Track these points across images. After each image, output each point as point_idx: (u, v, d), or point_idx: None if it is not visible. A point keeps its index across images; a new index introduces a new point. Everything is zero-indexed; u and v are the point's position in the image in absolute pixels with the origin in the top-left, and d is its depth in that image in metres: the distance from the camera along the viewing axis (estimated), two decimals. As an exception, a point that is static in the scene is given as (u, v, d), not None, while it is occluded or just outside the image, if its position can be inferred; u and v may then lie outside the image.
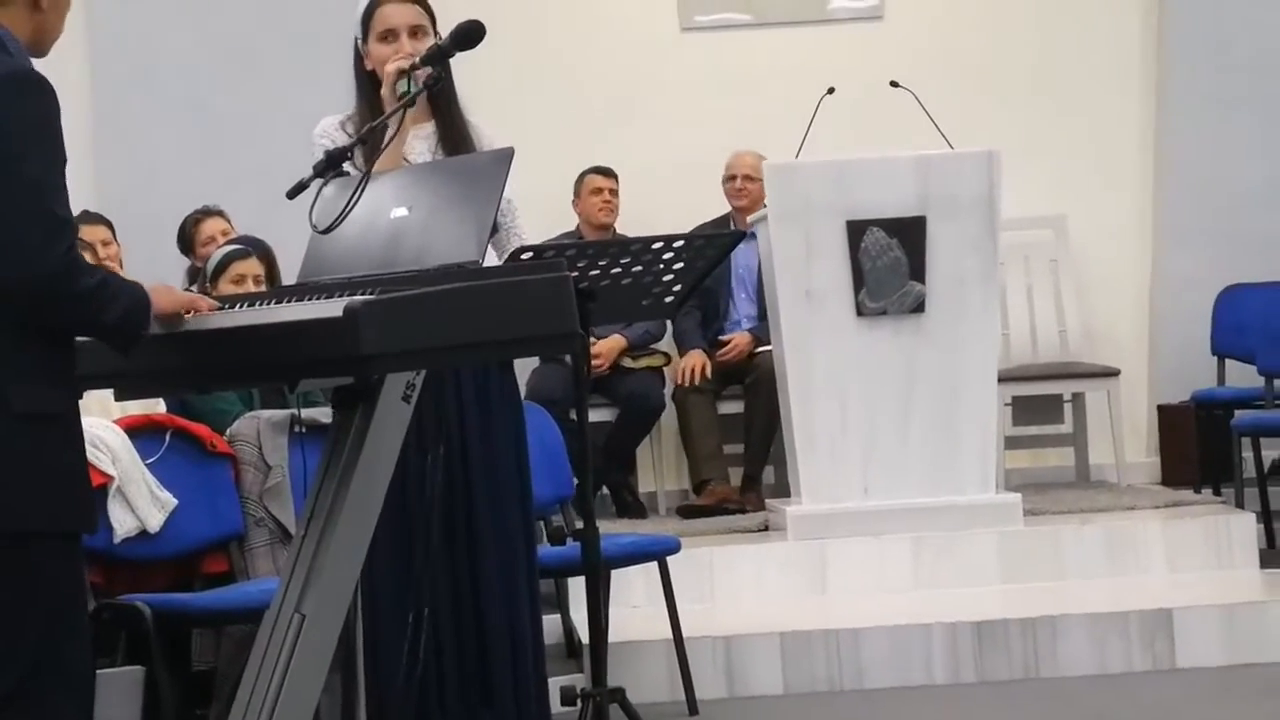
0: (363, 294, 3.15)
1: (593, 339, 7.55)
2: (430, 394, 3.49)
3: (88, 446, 4.80)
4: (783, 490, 7.56)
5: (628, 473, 8.12)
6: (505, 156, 3.67)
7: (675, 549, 5.58)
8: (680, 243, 4.05)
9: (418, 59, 4.11)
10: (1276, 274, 8.30)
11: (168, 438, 5.21)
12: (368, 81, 4.34)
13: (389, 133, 3.96)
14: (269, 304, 3.42)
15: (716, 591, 6.52)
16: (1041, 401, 8.40)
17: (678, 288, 4.11)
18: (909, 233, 6.70)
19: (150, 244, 7.37)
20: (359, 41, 4.37)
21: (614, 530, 5.96)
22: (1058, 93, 8.80)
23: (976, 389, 6.73)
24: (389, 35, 4.30)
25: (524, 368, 7.61)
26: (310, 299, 3.32)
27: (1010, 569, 6.57)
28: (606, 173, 8.37)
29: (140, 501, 5.02)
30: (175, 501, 5.11)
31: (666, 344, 8.25)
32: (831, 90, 7.55)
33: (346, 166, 3.83)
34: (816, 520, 6.67)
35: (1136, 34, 8.87)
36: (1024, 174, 7.81)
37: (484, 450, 4.16)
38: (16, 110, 3.03)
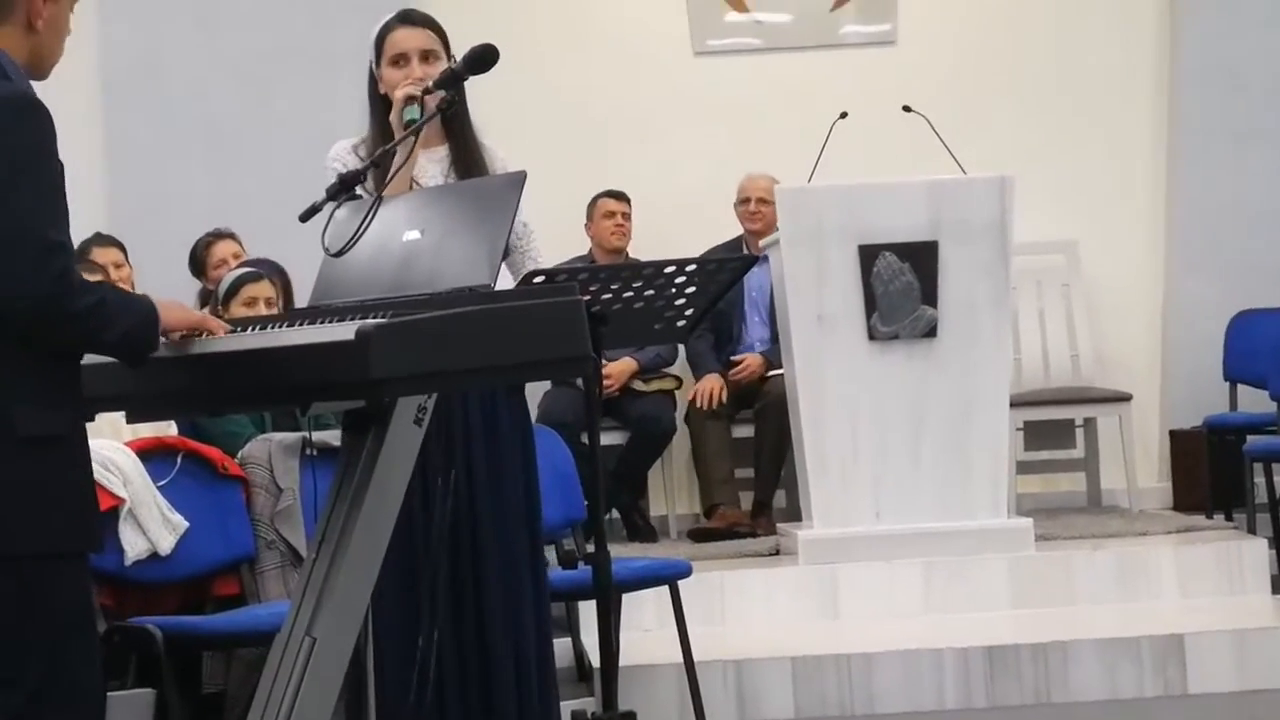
0: (375, 317, 3.15)
1: (604, 361, 7.55)
2: (438, 419, 3.48)
3: (99, 469, 4.84)
4: (794, 514, 7.55)
5: (639, 496, 8.12)
6: (518, 180, 3.67)
7: (686, 573, 5.57)
8: (692, 267, 4.05)
9: (429, 83, 4.11)
10: (1289, 299, 8.30)
11: (179, 460, 5.21)
12: (381, 105, 4.35)
13: (397, 159, 3.97)
14: (281, 327, 3.42)
15: (728, 615, 6.52)
16: (1053, 426, 8.38)
17: (690, 312, 4.10)
18: (921, 257, 6.70)
19: (162, 266, 7.38)
20: (373, 65, 4.38)
21: (625, 554, 5.96)
22: (1070, 118, 8.81)
23: (988, 414, 6.72)
24: (400, 60, 4.31)
25: (535, 391, 7.61)
26: (322, 322, 3.33)
27: (1022, 594, 6.56)
28: (619, 196, 8.37)
29: (151, 524, 5.03)
30: (186, 524, 5.11)
31: (678, 368, 8.25)
32: (844, 115, 7.57)
33: (359, 190, 3.83)
34: (828, 544, 6.66)
35: (1149, 60, 8.87)
36: (1036, 199, 7.80)
37: (489, 474, 4.16)
38: (10, 133, 3.03)
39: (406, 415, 3.32)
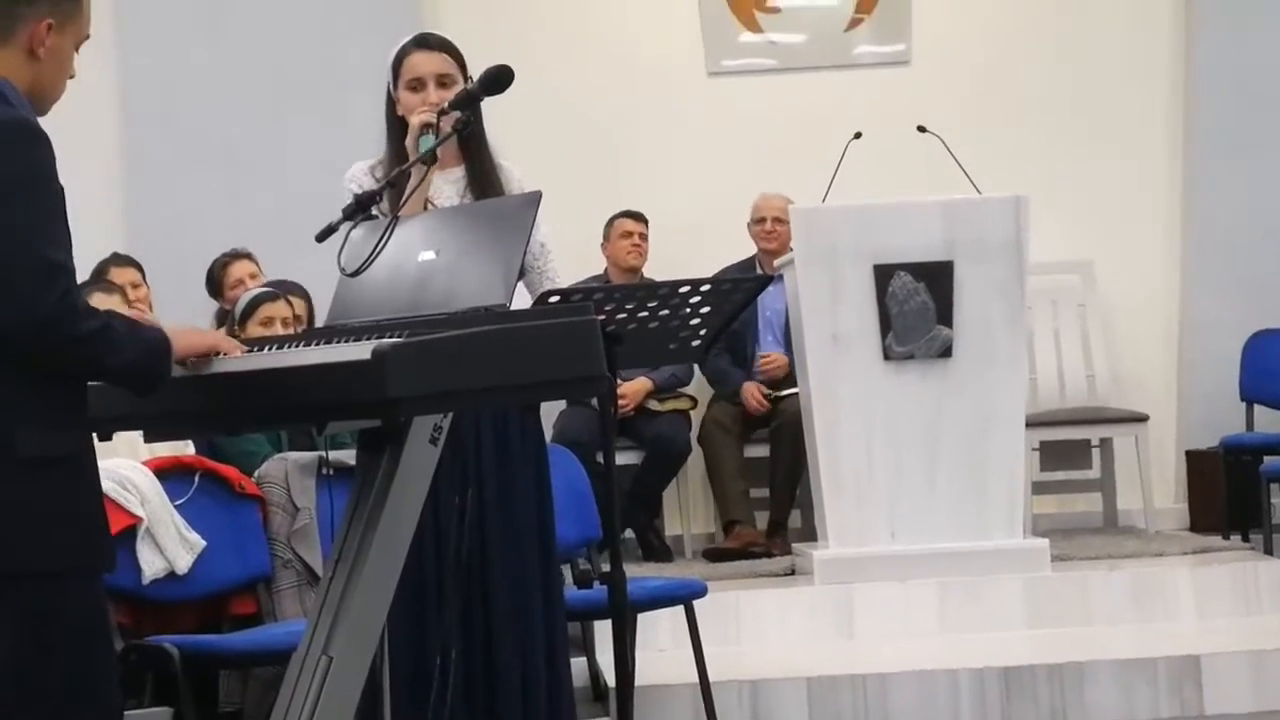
0: (390, 337, 3.16)
1: (619, 381, 7.55)
2: (452, 438, 3.49)
3: (117, 487, 4.87)
4: (809, 534, 7.55)
5: (654, 516, 8.11)
6: (533, 200, 3.68)
7: (702, 592, 5.56)
8: (707, 286, 4.05)
9: (445, 105, 4.12)
10: (1306, 320, 8.29)
11: (196, 479, 5.23)
12: (398, 127, 4.37)
13: (411, 182, 3.98)
14: (297, 346, 3.43)
15: (743, 635, 6.51)
16: (1069, 447, 8.37)
17: (704, 332, 4.11)
18: (936, 277, 6.70)
19: (179, 286, 7.40)
20: (390, 87, 4.40)
21: (640, 573, 5.95)
22: (1085, 137, 8.81)
23: (1004, 434, 6.71)
24: (416, 84, 4.33)
25: (551, 410, 7.61)
26: (338, 342, 3.34)
27: (1037, 614, 6.54)
28: (637, 217, 8.38)
29: (168, 543, 5.04)
30: (203, 543, 5.13)
31: (694, 388, 8.26)
32: (858, 135, 7.58)
33: (374, 211, 3.84)
34: (843, 564, 6.65)
35: (1164, 79, 8.87)
36: (1051, 218, 7.81)
37: (500, 493, 4.17)
38: (8, 158, 3.04)
39: (422, 434, 3.33)
